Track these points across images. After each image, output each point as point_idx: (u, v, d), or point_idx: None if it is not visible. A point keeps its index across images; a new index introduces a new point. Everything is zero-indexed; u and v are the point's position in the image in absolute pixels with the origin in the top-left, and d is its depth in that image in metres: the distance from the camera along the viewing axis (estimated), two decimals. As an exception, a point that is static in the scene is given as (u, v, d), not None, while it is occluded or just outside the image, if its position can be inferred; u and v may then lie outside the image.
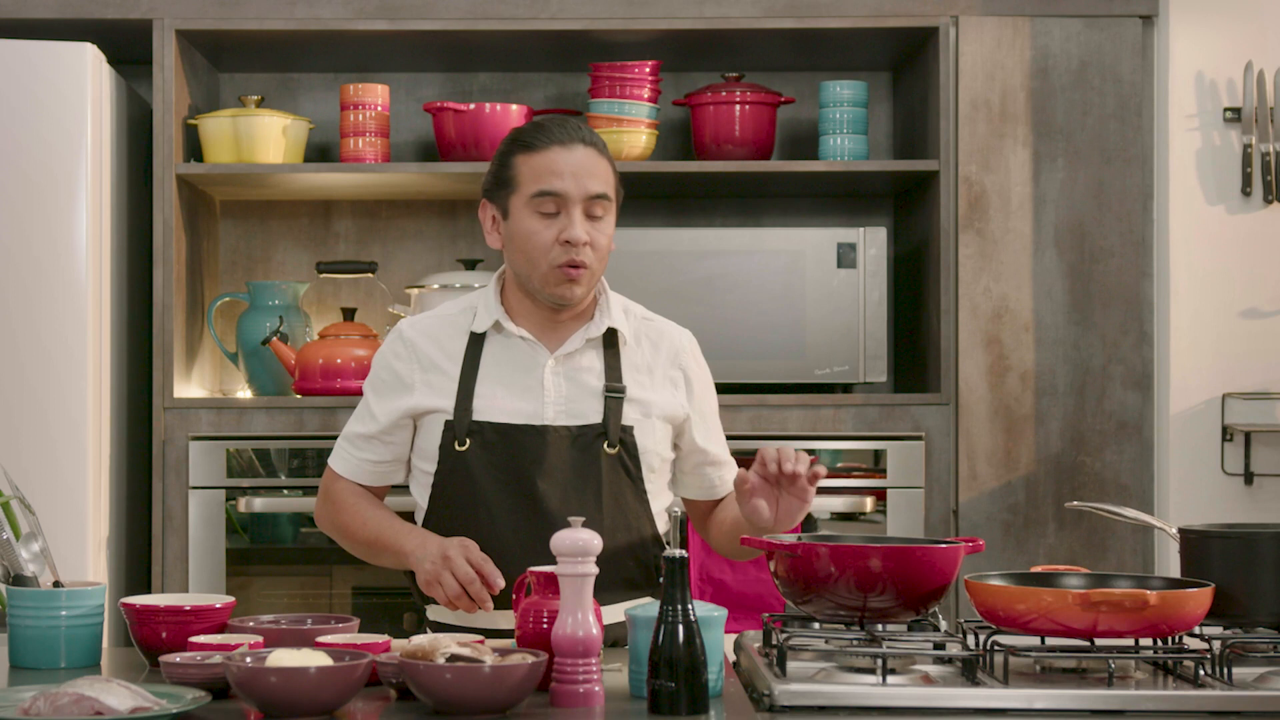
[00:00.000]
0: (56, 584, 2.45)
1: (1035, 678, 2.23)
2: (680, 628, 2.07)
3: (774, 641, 2.29)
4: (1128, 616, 2.20)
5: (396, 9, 3.94)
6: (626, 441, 2.69)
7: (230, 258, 4.43)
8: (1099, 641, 2.24)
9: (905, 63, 4.29)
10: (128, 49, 4.03)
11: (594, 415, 2.70)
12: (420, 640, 2.16)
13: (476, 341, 2.73)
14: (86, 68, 3.75)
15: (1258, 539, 2.37)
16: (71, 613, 2.40)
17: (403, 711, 2.10)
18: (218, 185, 4.17)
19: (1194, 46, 3.92)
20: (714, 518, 2.86)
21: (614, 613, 2.63)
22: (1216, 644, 2.26)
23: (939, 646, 2.29)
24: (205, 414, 3.89)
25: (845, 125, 4.07)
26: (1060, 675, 2.25)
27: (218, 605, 2.37)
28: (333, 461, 2.82)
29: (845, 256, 4.00)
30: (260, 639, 2.25)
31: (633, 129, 4.01)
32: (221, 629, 2.37)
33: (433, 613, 2.77)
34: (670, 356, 2.79)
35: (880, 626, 2.34)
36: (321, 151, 4.38)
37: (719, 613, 2.23)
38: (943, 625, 2.44)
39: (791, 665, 2.28)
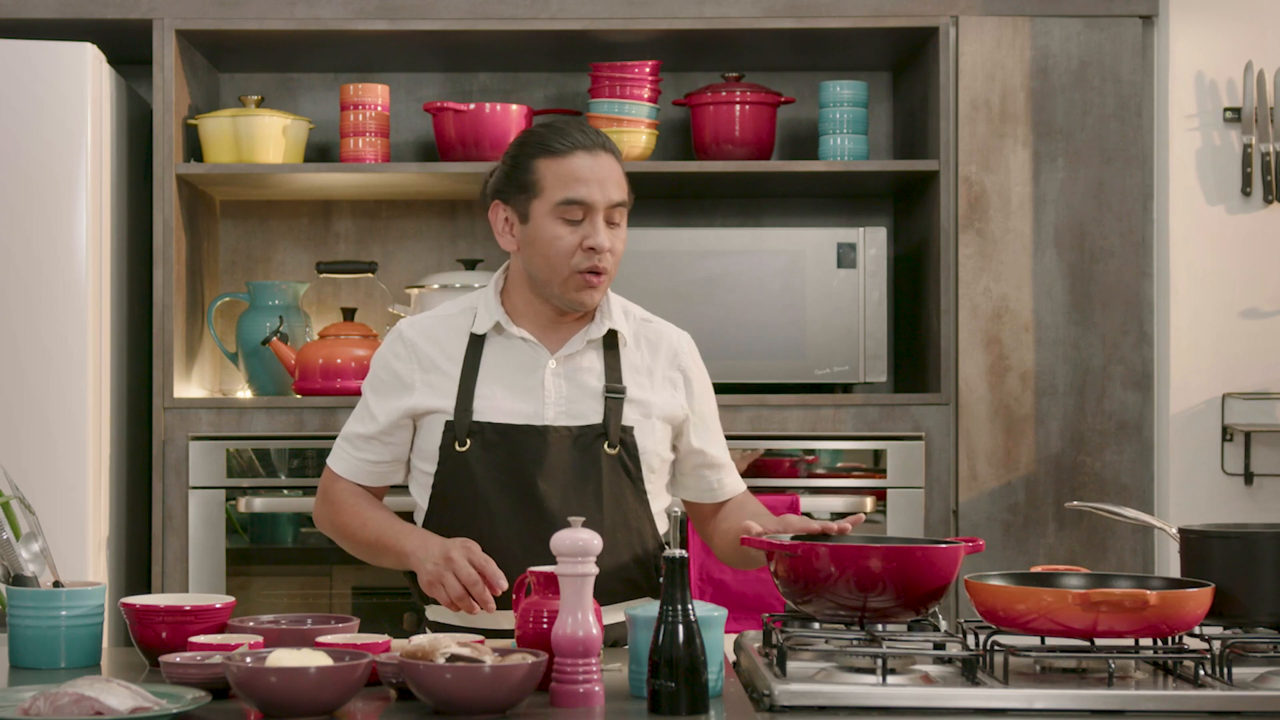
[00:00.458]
0: (56, 584, 2.46)
1: (1035, 678, 2.23)
2: (680, 628, 2.07)
3: (774, 641, 2.29)
4: (1128, 616, 2.20)
5: (396, 9, 3.94)
6: (627, 442, 2.69)
7: (230, 258, 4.43)
8: (1099, 641, 2.24)
9: (905, 63, 4.29)
10: (128, 49, 4.03)
11: (594, 416, 2.70)
12: (420, 640, 2.16)
13: (477, 342, 2.73)
14: (86, 68, 3.75)
15: (1258, 539, 2.38)
16: (71, 613, 2.40)
17: (403, 711, 2.10)
18: (218, 185, 4.17)
19: (1194, 46, 3.92)
20: (716, 524, 2.86)
21: (614, 613, 2.63)
22: (1216, 644, 2.26)
23: (939, 646, 2.29)
24: (205, 414, 3.89)
25: (845, 125, 4.07)
26: (1060, 675, 2.25)
27: (218, 605, 2.38)
28: (332, 462, 2.82)
29: (845, 256, 4.00)
30: (260, 639, 2.25)
31: (633, 129, 4.01)
32: (221, 629, 2.37)
33: (433, 613, 2.77)
34: (670, 358, 2.79)
35: (880, 626, 2.34)
36: (321, 151, 4.38)
37: (719, 613, 2.23)
38: (943, 625, 2.44)
39: (791, 665, 2.28)
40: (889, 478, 3.89)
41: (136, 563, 4.01)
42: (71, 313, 3.72)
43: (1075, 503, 2.79)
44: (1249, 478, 3.89)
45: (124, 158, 3.94)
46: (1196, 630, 2.37)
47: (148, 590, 3.93)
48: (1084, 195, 3.93)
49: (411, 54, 4.22)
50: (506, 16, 3.94)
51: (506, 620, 2.57)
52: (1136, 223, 3.93)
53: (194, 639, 2.27)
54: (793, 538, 2.45)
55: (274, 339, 4.02)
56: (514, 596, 2.34)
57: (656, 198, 4.39)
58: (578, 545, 2.14)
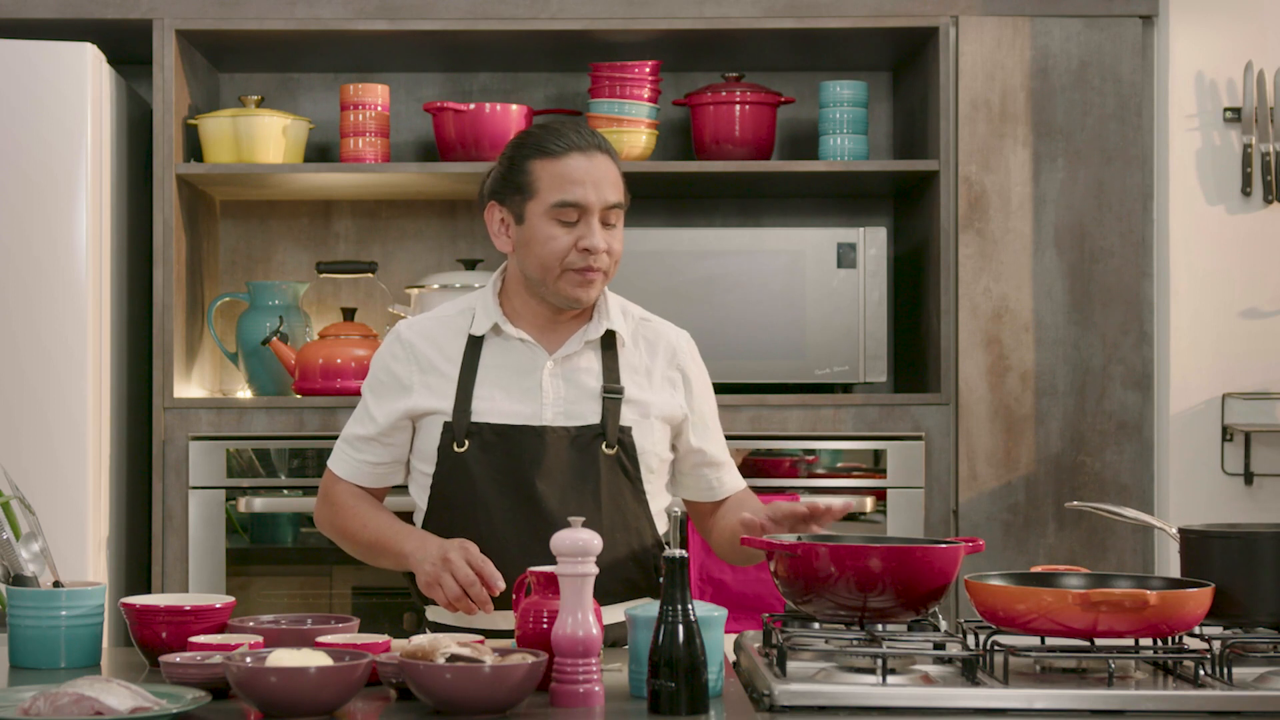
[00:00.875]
0: (56, 584, 2.45)
1: (1035, 678, 2.23)
2: (680, 628, 2.07)
3: (774, 641, 2.29)
4: (1128, 616, 2.20)
5: (396, 9, 3.94)
6: (625, 442, 2.69)
7: (230, 258, 4.43)
8: (1099, 641, 2.24)
9: (905, 63, 4.29)
10: (128, 49, 4.03)
11: (592, 416, 2.70)
12: (420, 640, 2.16)
13: (475, 343, 2.73)
14: (86, 68, 3.75)
15: (1258, 539, 2.37)
16: (71, 613, 2.40)
17: (403, 711, 2.10)
18: (218, 185, 4.17)
19: (1194, 46, 3.92)
20: (715, 522, 2.86)
21: (614, 613, 2.63)
22: (1216, 644, 2.26)
23: (939, 646, 2.28)
24: (205, 414, 3.89)
25: (845, 125, 4.07)
26: (1060, 675, 2.25)
27: (218, 605, 2.38)
28: (332, 463, 2.82)
29: (845, 256, 4.00)
30: (260, 639, 2.25)
31: (633, 129, 4.01)
32: (221, 629, 2.37)
33: (432, 613, 2.77)
34: (668, 357, 2.79)
35: (880, 626, 2.34)
36: (321, 151, 4.38)
37: (719, 613, 2.23)
38: (943, 625, 2.44)
39: (791, 665, 2.28)
40: (889, 478, 3.89)
41: (136, 563, 4.01)
42: (71, 313, 3.72)
43: (1075, 503, 2.79)
44: (1249, 478, 3.89)
45: (124, 158, 3.94)
46: (1196, 630, 2.37)
47: (148, 590, 3.93)
48: (1084, 195, 3.93)
49: (411, 54, 4.22)
50: (506, 16, 3.94)
51: (505, 621, 2.57)
52: (1136, 223, 3.93)
53: (194, 639, 2.27)
54: (799, 537, 2.45)
55: (274, 339, 4.02)
56: (514, 596, 2.34)
57: (656, 198, 4.39)
58: (578, 545, 2.14)
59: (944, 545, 2.37)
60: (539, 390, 2.70)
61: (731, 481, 2.86)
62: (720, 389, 3.83)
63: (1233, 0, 3.92)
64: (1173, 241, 3.91)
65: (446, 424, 2.69)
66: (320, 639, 2.25)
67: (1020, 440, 3.91)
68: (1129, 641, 2.26)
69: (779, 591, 2.42)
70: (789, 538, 2.44)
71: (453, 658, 2.04)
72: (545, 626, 2.20)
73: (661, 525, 2.78)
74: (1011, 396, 3.91)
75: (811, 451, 3.93)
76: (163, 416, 3.89)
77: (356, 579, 4.01)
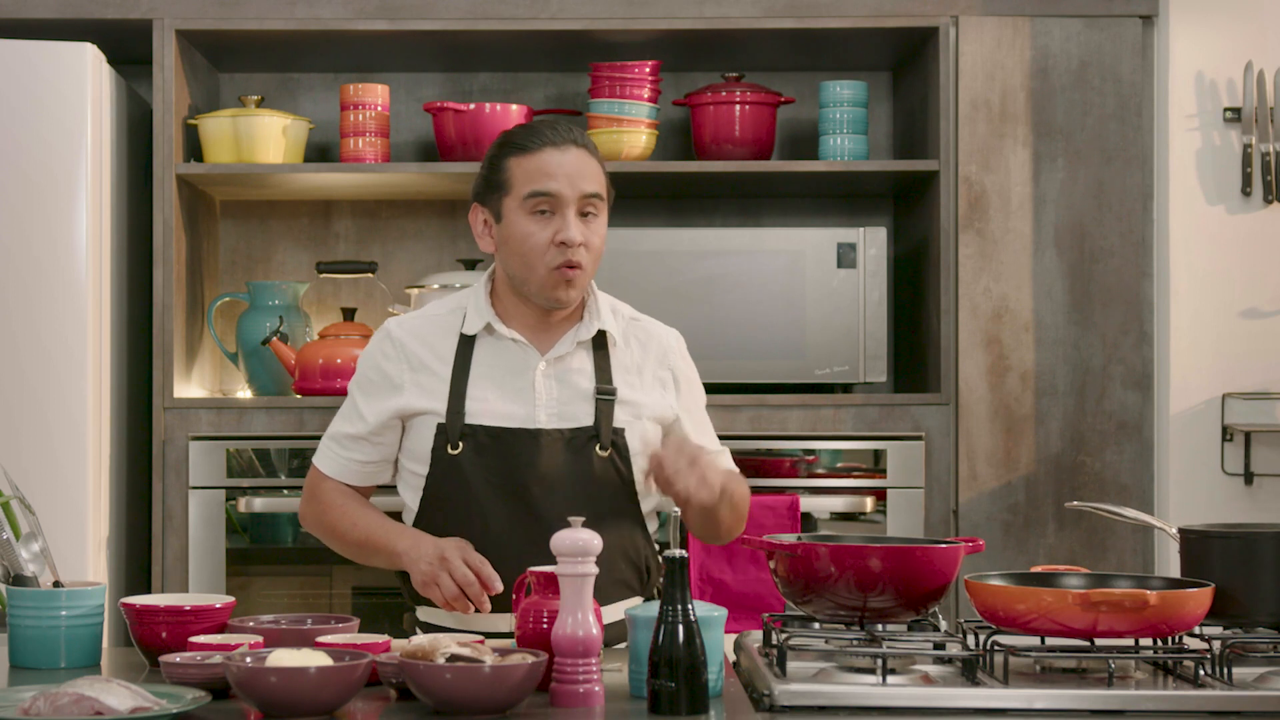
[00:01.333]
0: (56, 584, 2.46)
1: (1035, 678, 2.23)
2: (680, 628, 2.07)
3: (774, 641, 2.29)
4: (1128, 616, 2.20)
5: (396, 9, 3.94)
6: (618, 444, 2.69)
7: (230, 258, 4.43)
8: (1099, 641, 2.24)
9: (905, 63, 4.29)
10: (128, 49, 4.03)
11: (585, 418, 2.69)
12: (420, 640, 2.16)
13: (467, 343, 2.73)
14: (86, 68, 3.75)
15: (1258, 539, 2.38)
16: (71, 613, 2.40)
17: (403, 711, 2.10)
18: (218, 185, 4.17)
19: (1194, 46, 3.92)
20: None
21: (608, 614, 2.63)
22: (1216, 644, 2.26)
23: (939, 646, 2.29)
24: (205, 414, 3.89)
25: (845, 125, 4.07)
26: (1060, 675, 2.25)
27: (218, 605, 2.38)
28: (318, 461, 2.81)
29: (845, 256, 4.00)
30: (260, 639, 2.25)
31: (633, 129, 4.01)
32: (221, 629, 2.37)
33: (424, 613, 2.76)
34: (659, 357, 2.79)
35: (880, 626, 2.34)
36: (321, 151, 4.38)
37: (719, 613, 2.23)
38: (943, 625, 2.44)
39: (791, 665, 2.28)
40: (889, 478, 3.89)
41: (136, 563, 4.01)
42: (71, 313, 3.72)
43: (1075, 503, 2.79)
44: (1249, 478, 3.89)
45: (124, 158, 3.94)
46: (1196, 630, 2.37)
47: (148, 590, 3.93)
48: (1084, 195, 3.93)
49: (411, 54, 4.22)
50: (506, 16, 3.94)
51: (503, 623, 2.57)
52: (1136, 223, 3.93)
53: (194, 639, 2.27)
54: (799, 538, 2.45)
55: (274, 339, 4.02)
56: (514, 597, 2.34)
57: (656, 198, 4.39)
58: (578, 545, 2.14)
59: (944, 545, 2.37)
60: (532, 391, 2.70)
61: (723, 465, 2.83)
62: (720, 389, 3.85)
63: (1233, 0, 3.92)
64: (1173, 241, 3.91)
65: (440, 425, 2.69)
66: (320, 639, 2.25)
67: (1020, 440, 3.91)
68: (1129, 641, 2.26)
69: (779, 591, 2.42)
70: (789, 538, 2.44)
71: (453, 658, 2.04)
72: (545, 626, 2.20)
73: (652, 525, 2.78)
74: (1011, 396, 3.91)
75: (811, 451, 3.93)
76: (163, 416, 3.89)
77: (356, 579, 4.01)
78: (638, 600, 2.75)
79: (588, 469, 2.67)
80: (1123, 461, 3.91)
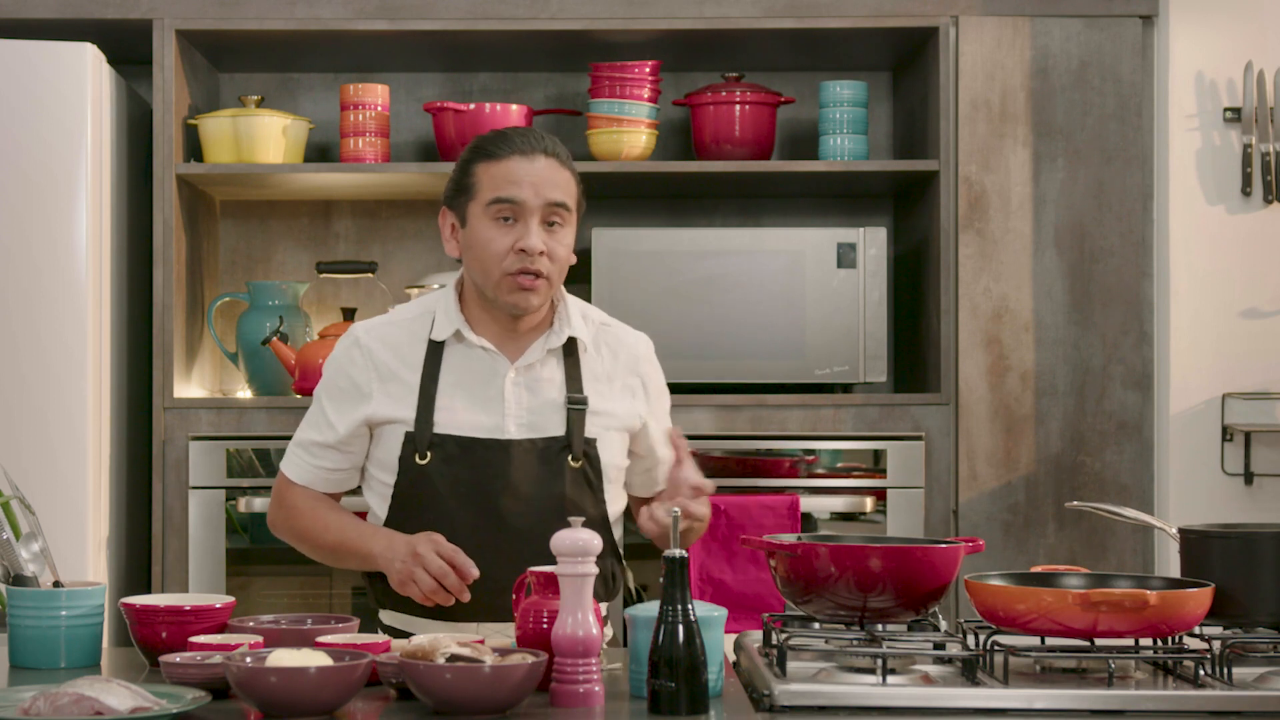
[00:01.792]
0: (56, 584, 2.45)
1: (1035, 678, 2.23)
2: (680, 628, 2.07)
3: (774, 641, 2.29)
4: (1128, 616, 2.20)
5: (396, 9, 3.94)
6: (590, 454, 2.68)
7: (230, 258, 4.43)
8: (1099, 641, 2.24)
9: (905, 63, 4.29)
10: (128, 49, 4.03)
11: (555, 428, 2.68)
12: (420, 640, 2.16)
13: (435, 350, 2.70)
14: (86, 68, 3.75)
15: (1258, 539, 2.38)
16: (71, 613, 2.40)
17: (403, 711, 2.10)
18: (218, 185, 4.17)
19: (1194, 46, 3.92)
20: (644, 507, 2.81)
21: None
22: (1216, 644, 2.26)
23: (939, 646, 2.29)
24: (205, 414, 3.89)
25: (845, 125, 4.07)
26: (1060, 675, 2.25)
27: (218, 605, 2.37)
28: (286, 468, 2.78)
29: (845, 256, 4.00)
30: (260, 639, 2.25)
31: (633, 129, 4.01)
32: (221, 629, 2.37)
33: (387, 617, 2.74)
34: (629, 364, 2.77)
35: (880, 626, 2.34)
36: (321, 151, 4.38)
37: (719, 613, 2.23)
38: (943, 625, 2.44)
39: (791, 665, 2.28)
40: (889, 478, 3.89)
41: (136, 563, 4.01)
42: (71, 313, 3.72)
43: (1075, 503, 2.79)
44: (1249, 478, 3.89)
45: (124, 158, 3.94)
46: (1196, 630, 2.37)
47: (148, 590, 3.93)
48: (1084, 195, 3.93)
49: (411, 54, 4.22)
50: (506, 16, 3.94)
51: (470, 627, 2.57)
52: (1136, 223, 3.93)
53: (194, 639, 2.27)
54: (799, 538, 2.45)
55: (274, 339, 4.02)
56: (514, 597, 2.34)
57: (656, 198, 4.39)
58: (578, 545, 2.14)
59: (944, 545, 2.37)
60: (501, 400, 2.68)
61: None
62: (720, 389, 3.85)
63: (1233, 0, 3.92)
64: (1173, 241, 3.91)
65: (408, 434, 2.67)
66: (320, 639, 2.25)
67: (1020, 440, 3.91)
68: (1129, 641, 2.26)
69: (779, 591, 2.42)
70: (789, 538, 2.44)
71: (453, 658, 2.04)
72: (545, 626, 2.20)
73: (618, 532, 2.78)
74: (1011, 396, 3.91)
75: (811, 451, 3.93)
76: (163, 416, 3.89)
77: (356, 579, 4.00)
78: (602, 608, 2.74)
79: (559, 480, 2.66)
80: (1123, 461, 3.91)
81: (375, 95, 4.05)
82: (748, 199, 4.42)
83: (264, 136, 3.99)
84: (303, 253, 4.42)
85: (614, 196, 4.35)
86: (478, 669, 2.01)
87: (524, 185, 2.63)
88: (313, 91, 4.41)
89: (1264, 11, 3.92)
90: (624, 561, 2.83)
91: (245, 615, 2.51)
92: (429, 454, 2.65)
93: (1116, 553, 3.89)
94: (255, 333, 4.11)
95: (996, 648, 2.21)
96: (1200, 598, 2.25)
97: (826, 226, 4.20)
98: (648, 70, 4.05)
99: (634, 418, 2.75)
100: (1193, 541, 2.44)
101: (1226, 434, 3.88)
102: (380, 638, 2.30)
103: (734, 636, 2.53)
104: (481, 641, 2.23)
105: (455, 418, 2.66)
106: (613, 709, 2.11)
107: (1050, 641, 2.30)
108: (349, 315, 4.09)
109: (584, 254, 4.24)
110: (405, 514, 2.67)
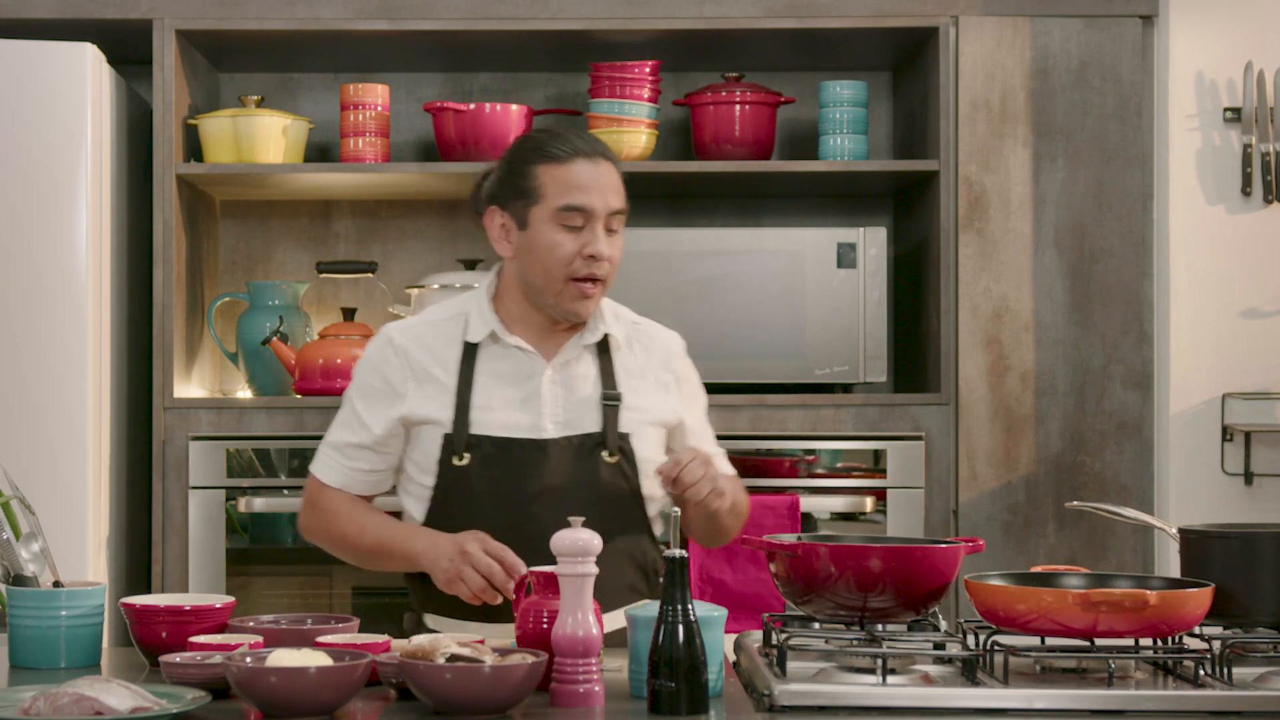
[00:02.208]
0: (56, 584, 2.46)
1: (1035, 678, 2.23)
2: (680, 628, 2.07)
3: (774, 641, 2.29)
4: (1128, 616, 2.20)
5: (396, 9, 3.94)
6: (625, 449, 2.69)
7: (230, 258, 4.43)
8: (1099, 641, 2.24)
9: (905, 63, 4.29)
10: (128, 49, 4.03)
11: (591, 425, 2.69)
12: (420, 640, 2.16)
13: (470, 351, 2.71)
14: (86, 68, 3.75)
15: (1258, 539, 2.38)
16: (71, 613, 2.40)
17: (403, 711, 2.10)
18: (218, 185, 4.17)
19: (1194, 46, 3.92)
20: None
21: (617, 618, 2.62)
22: (1216, 644, 2.26)
23: (939, 646, 2.29)
24: (205, 414, 3.89)
25: (845, 125, 4.07)
26: (1060, 675, 2.25)
27: (218, 605, 2.38)
28: (318, 471, 2.77)
29: (845, 256, 4.00)
30: (260, 639, 2.25)
31: (633, 129, 4.01)
32: (221, 629, 2.37)
33: (431, 620, 2.75)
34: (662, 360, 2.79)
35: (880, 626, 2.34)
36: (321, 151, 4.38)
37: (719, 613, 2.23)
38: (943, 625, 2.44)
39: (791, 665, 2.28)
40: (889, 478, 3.89)
41: (136, 563, 4.01)
42: (71, 313, 3.72)
43: (1075, 503, 2.79)
44: (1249, 478, 3.89)
45: (124, 158, 3.94)
46: (1196, 630, 2.37)
47: (148, 590, 3.93)
48: (1084, 195, 3.93)
49: (411, 54, 4.22)
50: (506, 16, 3.94)
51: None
52: (1136, 223, 3.93)
53: (194, 639, 2.27)
54: (799, 538, 2.45)
55: (274, 339, 4.02)
56: (514, 597, 2.34)
57: (656, 198, 4.39)
58: (578, 545, 2.14)
59: (944, 545, 2.37)
60: (538, 399, 2.68)
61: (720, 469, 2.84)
62: (720, 389, 3.85)
63: (1233, 0, 3.92)
64: (1173, 241, 3.91)
65: (446, 436, 2.67)
66: (320, 639, 2.25)
67: (1020, 440, 3.91)
68: (1129, 641, 2.26)
69: (779, 591, 2.42)
70: (789, 538, 2.44)
71: (453, 658, 2.04)
72: (545, 626, 2.20)
73: (658, 529, 2.78)
74: (1011, 396, 3.91)
75: (811, 451, 3.93)
76: (163, 416, 3.89)
77: (356, 579, 4.01)
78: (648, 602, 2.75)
79: (595, 476, 2.67)
80: (1123, 461, 3.91)
81: (375, 95, 4.05)
82: (748, 199, 4.42)
83: (264, 136, 3.99)
84: (303, 253, 4.42)
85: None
86: (478, 669, 2.01)
87: (592, 192, 2.64)
88: (313, 91, 4.41)
89: (1264, 11, 3.92)
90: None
91: (245, 615, 2.51)
92: (466, 455, 2.65)
93: (1116, 553, 3.89)
94: (255, 333, 4.11)
95: (996, 648, 2.22)
96: (1200, 598, 2.25)
97: (826, 226, 4.20)
98: (648, 70, 4.05)
99: (669, 412, 2.76)
100: (1193, 541, 2.44)
101: (1226, 434, 3.88)
102: (381, 638, 2.30)
103: (734, 636, 2.53)
104: (481, 641, 2.23)
105: (492, 418, 2.67)
106: (613, 709, 2.11)
107: (1050, 641, 2.30)
108: (349, 315, 4.09)
109: (584, 254, 4.24)
110: (444, 515, 2.67)
